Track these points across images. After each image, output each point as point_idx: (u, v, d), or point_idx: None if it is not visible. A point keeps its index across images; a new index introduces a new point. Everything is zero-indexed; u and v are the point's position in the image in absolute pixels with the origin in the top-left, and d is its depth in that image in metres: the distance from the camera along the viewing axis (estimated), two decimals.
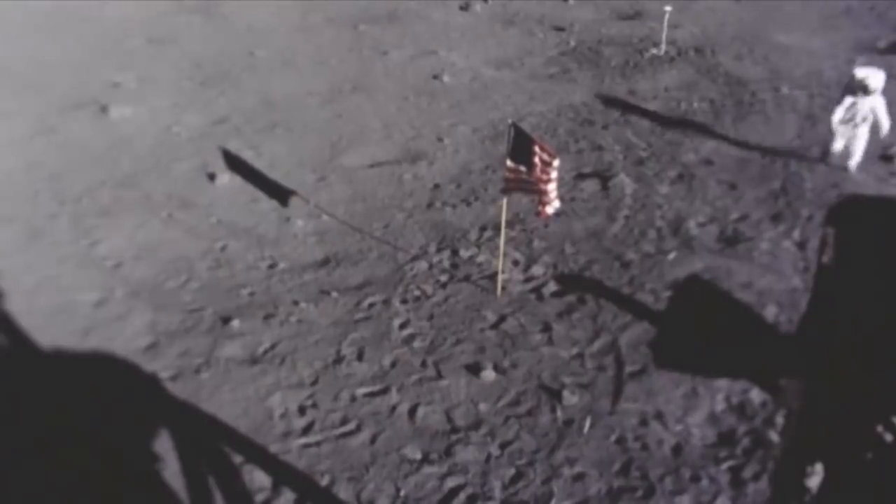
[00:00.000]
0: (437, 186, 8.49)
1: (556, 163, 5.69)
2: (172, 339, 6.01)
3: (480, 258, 7.02)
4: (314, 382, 5.50)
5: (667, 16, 12.30)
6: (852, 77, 8.01)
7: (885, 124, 8.02)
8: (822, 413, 2.05)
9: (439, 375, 5.55)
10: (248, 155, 9.19)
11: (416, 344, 5.90)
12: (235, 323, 6.14)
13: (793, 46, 12.59)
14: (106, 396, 5.38)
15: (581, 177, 8.49)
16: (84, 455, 4.86)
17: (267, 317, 6.25)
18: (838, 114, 8.17)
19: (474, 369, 5.56)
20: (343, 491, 4.60)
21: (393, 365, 5.68)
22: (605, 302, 6.30)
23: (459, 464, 4.78)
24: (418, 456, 4.84)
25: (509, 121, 6.24)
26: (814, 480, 1.98)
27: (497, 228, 6.92)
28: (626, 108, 10.43)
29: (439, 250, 7.21)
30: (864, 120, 8.08)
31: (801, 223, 7.34)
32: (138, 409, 5.28)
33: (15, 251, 7.19)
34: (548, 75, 11.79)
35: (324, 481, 4.67)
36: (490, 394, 5.36)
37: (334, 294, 6.54)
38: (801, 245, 6.99)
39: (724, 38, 13.16)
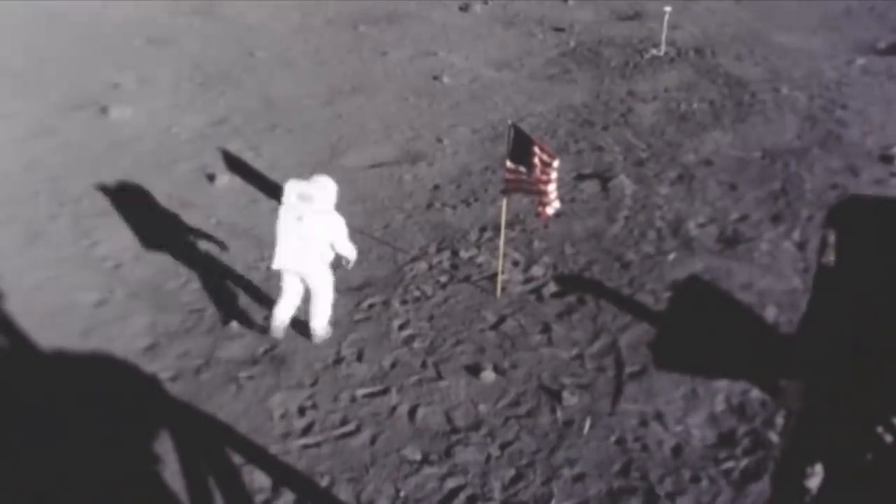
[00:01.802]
0: (436, 187, 8.49)
1: (555, 163, 5.69)
2: (172, 339, 6.01)
3: (480, 259, 7.02)
4: (314, 383, 5.50)
5: (666, 16, 12.31)
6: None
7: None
8: (822, 413, 2.05)
9: (439, 376, 5.55)
10: (247, 156, 9.19)
11: (416, 345, 5.90)
12: (235, 324, 6.14)
13: (792, 47, 12.60)
14: (106, 397, 5.38)
15: (581, 177, 8.49)
16: (84, 456, 4.86)
17: (266, 318, 6.24)
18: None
19: (474, 370, 5.56)
20: (343, 492, 4.60)
21: (393, 366, 5.68)
22: (604, 303, 6.30)
23: (459, 464, 4.78)
24: (418, 457, 4.84)
25: (509, 121, 6.24)
26: (814, 481, 1.98)
27: (497, 229, 6.92)
28: (626, 108, 10.43)
29: (439, 251, 7.20)
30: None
31: (801, 224, 7.34)
32: (138, 409, 5.27)
33: (14, 252, 7.18)
34: (547, 76, 11.80)
35: (323, 482, 4.67)
36: (490, 394, 5.35)
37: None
38: (801, 246, 6.99)
39: (723, 39, 13.17)
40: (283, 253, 5.56)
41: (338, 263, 5.83)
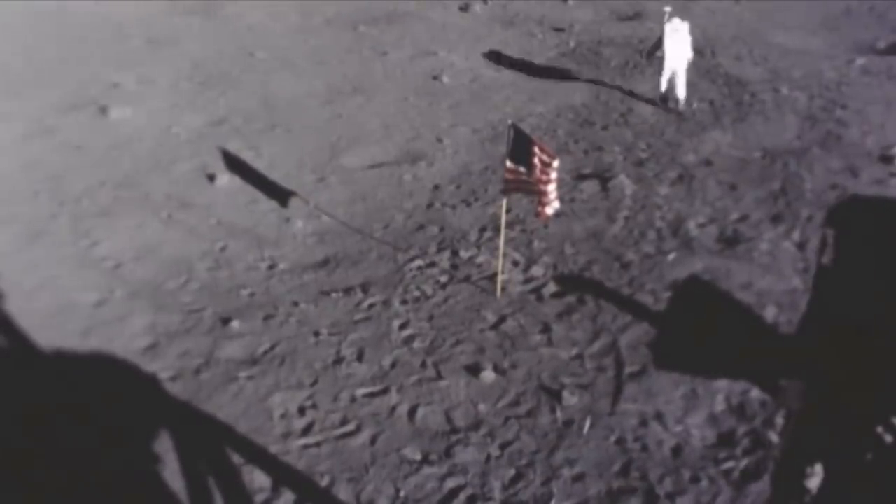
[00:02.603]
0: (436, 187, 8.49)
1: (555, 163, 5.69)
2: (172, 339, 6.00)
3: (480, 259, 7.02)
4: (314, 383, 5.50)
5: (666, 16, 12.28)
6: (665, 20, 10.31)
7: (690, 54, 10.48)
8: (822, 413, 2.05)
9: (439, 376, 5.55)
10: (247, 155, 9.19)
11: (416, 344, 5.90)
12: (235, 323, 6.14)
13: (792, 47, 12.60)
14: (106, 397, 5.38)
15: (581, 177, 8.49)
16: (84, 455, 4.86)
17: (267, 317, 6.25)
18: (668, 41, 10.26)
19: (474, 370, 5.56)
20: (343, 492, 4.60)
21: (393, 365, 5.68)
22: (604, 303, 6.30)
23: (459, 464, 4.77)
24: (418, 457, 4.84)
25: (509, 121, 6.24)
26: (813, 481, 1.98)
27: (497, 229, 6.92)
28: (626, 108, 10.43)
29: (439, 251, 7.20)
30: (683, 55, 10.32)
31: (800, 224, 7.34)
32: (138, 409, 5.27)
33: (14, 252, 7.18)
34: (547, 76, 11.79)
35: (323, 482, 4.66)
36: (490, 394, 5.35)
37: (334, 295, 6.54)
38: (801, 246, 6.99)
39: (723, 39, 13.17)
40: (668, 52, 10.20)
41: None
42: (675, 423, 5.03)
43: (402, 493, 4.57)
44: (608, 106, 10.55)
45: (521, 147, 5.83)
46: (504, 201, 6.33)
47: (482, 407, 5.24)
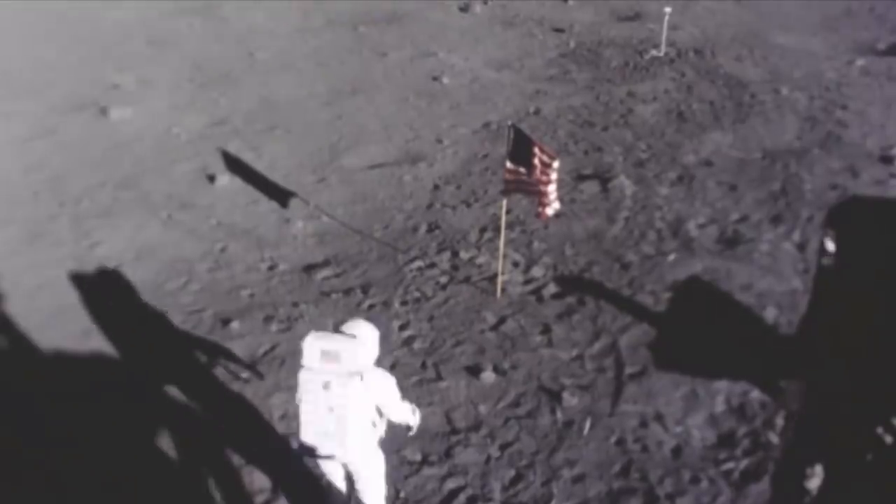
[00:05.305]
0: (436, 188, 8.49)
1: (555, 164, 5.69)
2: (173, 340, 6.00)
3: (480, 260, 7.02)
4: None
5: (666, 17, 12.31)
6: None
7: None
8: (822, 414, 2.05)
9: (439, 377, 5.55)
10: (247, 156, 9.19)
11: (416, 345, 5.90)
12: (235, 324, 6.14)
13: (792, 48, 12.60)
14: (106, 397, 5.37)
15: (581, 178, 8.49)
16: (84, 455, 4.85)
17: (267, 318, 6.24)
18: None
19: (474, 371, 5.55)
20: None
21: (393, 366, 5.67)
22: (604, 303, 6.30)
23: (459, 465, 4.77)
24: (418, 457, 4.84)
25: (509, 122, 6.24)
26: (814, 482, 1.98)
27: (497, 230, 6.92)
28: (626, 109, 10.43)
29: (439, 252, 7.20)
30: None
31: (800, 224, 7.34)
32: (138, 409, 5.27)
33: (15, 252, 7.19)
34: (547, 77, 11.79)
35: (323, 482, 4.65)
36: (490, 395, 5.35)
37: (334, 296, 6.54)
38: (801, 246, 6.98)
39: (723, 40, 13.16)
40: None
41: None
42: (676, 424, 5.03)
43: (402, 494, 4.57)
44: (608, 106, 10.54)
45: (521, 148, 5.83)
46: (504, 202, 6.33)
47: (482, 408, 5.24)
